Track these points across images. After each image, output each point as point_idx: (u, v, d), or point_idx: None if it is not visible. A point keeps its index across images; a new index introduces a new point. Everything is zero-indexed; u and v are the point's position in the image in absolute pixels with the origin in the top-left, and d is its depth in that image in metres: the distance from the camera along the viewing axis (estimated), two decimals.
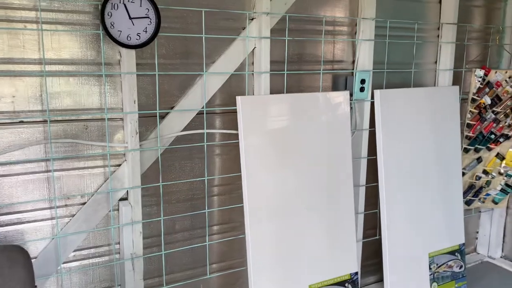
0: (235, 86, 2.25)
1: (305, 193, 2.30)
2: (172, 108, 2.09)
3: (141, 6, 1.83)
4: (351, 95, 2.46)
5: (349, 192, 2.42)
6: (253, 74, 2.24)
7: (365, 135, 2.55)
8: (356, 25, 2.49)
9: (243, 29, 2.18)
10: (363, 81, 2.45)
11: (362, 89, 2.46)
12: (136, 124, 1.95)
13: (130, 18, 1.82)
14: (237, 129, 2.13)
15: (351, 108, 2.50)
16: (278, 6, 2.22)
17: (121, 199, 2.03)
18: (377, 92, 2.47)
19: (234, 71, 2.19)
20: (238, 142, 2.11)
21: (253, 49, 2.21)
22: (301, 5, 2.34)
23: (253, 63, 2.24)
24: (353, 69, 2.51)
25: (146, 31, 1.86)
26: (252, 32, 2.18)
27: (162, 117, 2.07)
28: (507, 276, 3.13)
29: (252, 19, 2.18)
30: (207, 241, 2.26)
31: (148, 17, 1.85)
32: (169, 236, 2.20)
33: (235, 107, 2.11)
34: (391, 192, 2.54)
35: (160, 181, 2.07)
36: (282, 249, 2.24)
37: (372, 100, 2.50)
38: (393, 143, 2.54)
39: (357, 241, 2.62)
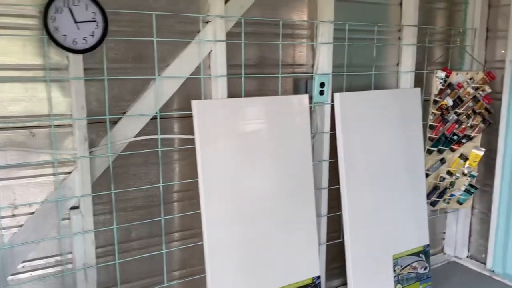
0: (193, 89, 2.21)
1: (266, 197, 2.28)
2: (124, 113, 2.04)
3: (87, 9, 1.78)
4: (311, 98, 2.44)
5: (310, 195, 2.40)
6: (209, 77, 2.20)
7: (326, 138, 2.54)
8: (315, 28, 2.48)
9: (198, 33, 2.15)
10: (322, 85, 2.44)
11: (321, 92, 2.45)
12: (85, 131, 1.90)
13: (75, 22, 1.77)
14: (193, 134, 2.09)
15: (312, 111, 2.49)
16: (234, 9, 2.19)
17: (73, 208, 1.97)
18: (336, 95, 2.46)
19: (190, 75, 2.16)
20: (194, 147, 2.08)
21: (209, 53, 2.18)
22: (260, 8, 2.32)
23: (209, 67, 2.21)
24: (312, 73, 2.50)
25: (93, 35, 1.81)
26: (207, 35, 2.15)
27: (114, 122, 2.02)
28: (473, 276, 3.16)
29: (207, 22, 2.15)
30: (163, 248, 2.21)
31: (95, 21, 1.81)
32: (125, 244, 2.15)
33: (190, 111, 2.08)
34: (353, 194, 2.54)
35: (112, 189, 2.02)
36: (243, 254, 2.21)
37: (332, 103, 2.49)
38: (354, 145, 2.53)
39: (320, 244, 2.61)
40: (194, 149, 2.15)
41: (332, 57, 2.48)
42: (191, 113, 2.10)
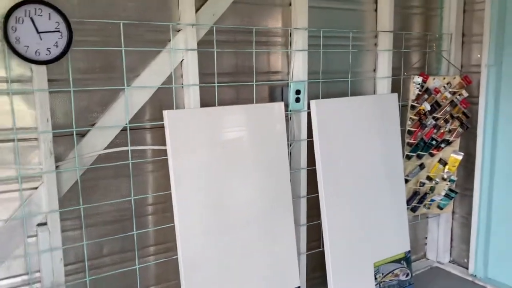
0: (165, 100, 2.16)
1: (242, 208, 2.23)
2: (93, 125, 1.98)
3: (50, 19, 1.73)
4: (287, 106, 2.41)
5: (288, 204, 2.36)
6: (182, 87, 2.16)
7: (304, 146, 2.50)
8: (289, 35, 2.45)
9: (169, 41, 2.10)
10: (298, 92, 2.41)
11: (297, 100, 2.42)
12: (51, 144, 1.83)
13: (38, 32, 1.71)
14: (166, 145, 2.04)
15: (288, 119, 2.45)
16: (206, 17, 2.16)
17: (40, 224, 1.90)
18: (312, 103, 2.43)
19: (162, 85, 2.11)
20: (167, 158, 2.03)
21: (181, 62, 2.14)
22: (233, 16, 2.28)
23: (181, 76, 2.16)
24: (288, 80, 2.47)
25: (57, 46, 1.75)
26: (179, 44, 2.10)
27: (83, 135, 1.95)
28: (456, 281, 3.14)
29: (178, 31, 2.11)
30: (137, 264, 2.14)
31: (59, 31, 1.75)
32: (96, 260, 2.08)
33: (163, 122, 2.03)
34: (332, 202, 2.50)
35: (81, 204, 1.95)
36: (219, 267, 2.16)
37: (309, 111, 2.46)
38: (332, 152, 2.50)
39: (300, 254, 2.57)
40: (167, 160, 2.10)
41: (308, 64, 2.46)
42: (163, 124, 2.05)
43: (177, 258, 2.07)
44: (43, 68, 1.77)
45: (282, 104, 2.31)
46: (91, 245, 2.04)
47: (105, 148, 2.00)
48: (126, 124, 2.02)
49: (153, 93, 2.10)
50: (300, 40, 2.40)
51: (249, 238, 2.24)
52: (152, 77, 2.07)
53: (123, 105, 2.01)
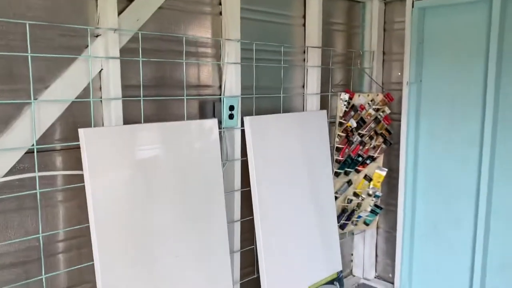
0: (80, 116, 1.84)
1: (172, 236, 1.97)
2: None
3: None
4: (220, 122, 2.21)
5: (223, 230, 2.15)
6: (101, 101, 1.86)
7: (238, 166, 2.32)
8: (221, 47, 2.27)
9: (86, 48, 1.80)
10: (231, 108, 2.23)
11: (231, 116, 2.24)
12: None
13: None
14: (82, 169, 1.72)
15: (221, 137, 2.26)
16: (129, 22, 1.89)
17: None
18: (246, 119, 2.27)
19: (76, 98, 1.79)
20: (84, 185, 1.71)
21: (99, 72, 1.84)
22: (158, 22, 2.04)
23: (100, 88, 1.86)
24: (220, 95, 2.28)
25: None
26: (97, 51, 1.81)
27: None
28: None
29: (97, 36, 1.82)
30: None
31: None
32: None
33: (78, 142, 1.71)
34: (267, 225, 2.35)
35: None
36: None
37: (242, 128, 2.29)
38: (266, 172, 2.35)
39: (234, 283, 2.36)
40: (81, 188, 1.78)
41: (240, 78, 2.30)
42: (77, 144, 1.73)
43: None
44: None
45: (216, 120, 2.11)
46: None
47: (6, 175, 1.62)
48: (33, 145, 1.66)
49: (66, 108, 1.78)
50: (232, 52, 2.23)
51: (181, 267, 1.98)
52: (64, 89, 1.75)
53: (29, 123, 1.66)
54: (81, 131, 1.71)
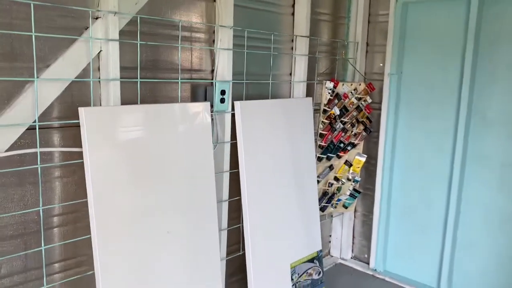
0: (78, 95, 1.90)
1: (165, 213, 2.06)
2: None
3: None
4: (211, 106, 2.30)
5: (213, 209, 2.26)
6: (99, 81, 1.92)
7: (227, 148, 2.42)
8: (214, 32, 2.35)
9: (86, 29, 1.86)
10: (223, 92, 2.32)
11: (222, 100, 2.33)
12: None
13: None
14: (80, 146, 1.79)
15: (211, 120, 2.35)
16: (128, 5, 1.95)
17: None
18: (237, 104, 2.36)
19: (76, 78, 1.85)
20: (82, 161, 1.78)
21: (98, 53, 1.90)
22: (155, 7, 2.11)
23: (99, 69, 1.93)
24: (212, 79, 2.37)
25: None
26: (97, 33, 1.87)
27: None
28: (358, 276, 3.33)
29: (97, 18, 1.87)
30: (44, 283, 1.85)
31: None
32: None
33: (77, 121, 1.78)
34: (254, 204, 2.46)
35: None
36: (141, 277, 1.96)
37: (233, 112, 2.39)
38: (254, 155, 2.46)
39: (221, 259, 2.48)
40: (78, 165, 1.86)
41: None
42: (75, 123, 1.80)
43: (89, 275, 1.83)
44: None
45: (208, 104, 2.20)
46: None
47: (7, 150, 1.69)
48: (35, 121, 1.72)
49: (65, 87, 1.84)
50: (225, 38, 2.31)
51: (173, 244, 2.08)
52: (65, 68, 1.81)
53: (30, 100, 1.72)
54: (81, 110, 1.78)
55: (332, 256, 3.59)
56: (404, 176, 3.17)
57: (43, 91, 1.76)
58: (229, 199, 2.49)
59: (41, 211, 1.80)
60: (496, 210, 2.76)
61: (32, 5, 1.65)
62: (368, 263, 3.40)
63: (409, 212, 3.16)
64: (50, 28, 1.77)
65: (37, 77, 1.72)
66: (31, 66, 1.71)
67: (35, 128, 1.73)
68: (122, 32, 1.96)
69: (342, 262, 3.52)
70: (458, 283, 2.97)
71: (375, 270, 3.34)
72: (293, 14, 2.83)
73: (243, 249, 2.52)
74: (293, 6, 2.82)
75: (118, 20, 1.89)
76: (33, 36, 1.68)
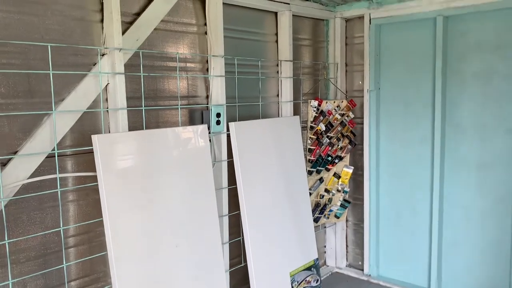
0: (88, 125, 2.10)
1: (173, 229, 2.24)
2: (15, 153, 1.84)
3: None
4: (208, 128, 2.51)
5: (215, 223, 2.44)
6: (107, 111, 2.13)
7: (225, 166, 2.63)
8: (207, 62, 2.59)
9: (94, 65, 2.07)
10: (218, 115, 2.54)
11: (218, 122, 2.55)
12: None
13: None
14: (93, 171, 1.98)
15: (209, 141, 2.55)
16: (130, 42, 2.18)
17: None
18: (232, 125, 2.58)
19: (87, 109, 2.05)
20: (95, 185, 1.96)
21: (106, 85, 2.11)
22: (153, 42, 2.34)
23: (107, 100, 2.13)
24: (207, 104, 2.59)
25: None
26: (104, 68, 2.08)
27: (4, 164, 1.80)
28: (354, 282, 3.51)
29: (103, 55, 2.09)
30: None
31: None
32: None
33: (90, 147, 1.97)
34: (253, 218, 2.65)
35: (6, 239, 1.78)
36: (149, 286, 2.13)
37: (228, 132, 2.60)
38: (250, 171, 2.66)
39: (225, 271, 2.64)
40: (91, 188, 2.04)
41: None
42: (87, 149, 2.00)
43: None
44: None
45: (206, 126, 2.41)
46: (14, 284, 1.86)
47: (30, 177, 1.87)
48: (54, 149, 1.91)
49: (78, 118, 2.04)
50: (218, 66, 2.55)
51: (181, 258, 2.24)
52: (77, 101, 2.01)
53: (49, 130, 1.91)
54: (94, 137, 1.97)
55: (328, 266, 3.76)
56: (390, 184, 3.40)
57: (59, 122, 1.95)
58: (229, 213, 2.67)
59: (61, 231, 1.97)
60: (475, 209, 2.99)
61: (49, 46, 1.86)
62: (362, 270, 3.59)
63: (397, 218, 3.37)
64: (63, 65, 1.97)
65: (55, 110, 1.92)
66: (46, 100, 1.91)
67: (53, 156, 1.92)
68: (125, 66, 2.18)
69: (338, 270, 3.70)
70: (446, 280, 3.17)
71: (369, 275, 3.52)
72: (276, 41, 3.10)
73: (245, 260, 2.68)
74: (276, 34, 3.08)
75: (122, 56, 2.11)
76: (51, 74, 1.88)
